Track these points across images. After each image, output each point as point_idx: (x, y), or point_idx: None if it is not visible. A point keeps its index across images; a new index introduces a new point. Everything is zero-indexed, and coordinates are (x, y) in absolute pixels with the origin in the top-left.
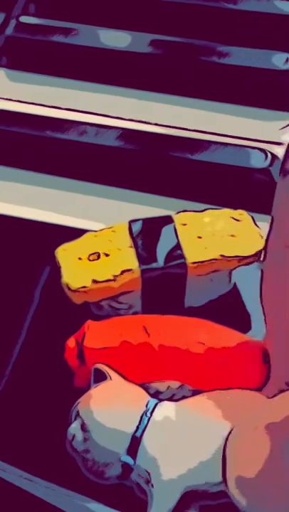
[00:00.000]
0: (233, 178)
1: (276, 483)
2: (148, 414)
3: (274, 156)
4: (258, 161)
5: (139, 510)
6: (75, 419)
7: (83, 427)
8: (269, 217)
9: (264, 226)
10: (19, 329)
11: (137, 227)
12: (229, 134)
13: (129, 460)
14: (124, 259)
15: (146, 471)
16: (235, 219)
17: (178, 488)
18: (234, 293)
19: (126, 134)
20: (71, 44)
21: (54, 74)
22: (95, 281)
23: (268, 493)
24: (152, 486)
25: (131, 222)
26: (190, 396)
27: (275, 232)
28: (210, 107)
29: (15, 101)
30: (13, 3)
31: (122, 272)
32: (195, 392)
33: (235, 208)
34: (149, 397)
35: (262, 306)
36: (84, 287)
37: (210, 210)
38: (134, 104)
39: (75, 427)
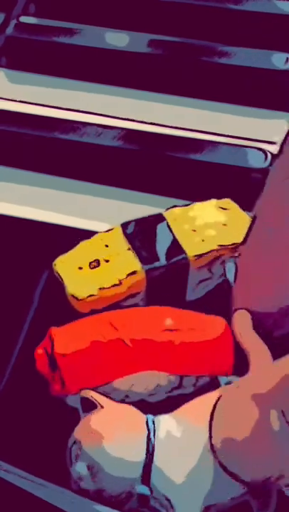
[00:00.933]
0: (233, 178)
1: (259, 447)
2: (152, 437)
3: (274, 156)
4: (257, 161)
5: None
6: (77, 458)
7: (90, 466)
8: None
9: None
10: (19, 329)
11: (130, 229)
12: (229, 134)
13: (145, 490)
14: (126, 262)
15: (165, 497)
16: (223, 208)
17: (199, 504)
18: (227, 282)
19: (126, 134)
20: (71, 44)
21: (54, 74)
22: (101, 288)
23: (250, 454)
24: (174, 508)
25: (123, 225)
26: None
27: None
28: (210, 107)
29: (15, 101)
30: (13, 3)
31: (127, 275)
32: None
33: None
34: (144, 417)
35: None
36: (91, 296)
37: (197, 203)
38: (134, 104)
39: (80, 467)
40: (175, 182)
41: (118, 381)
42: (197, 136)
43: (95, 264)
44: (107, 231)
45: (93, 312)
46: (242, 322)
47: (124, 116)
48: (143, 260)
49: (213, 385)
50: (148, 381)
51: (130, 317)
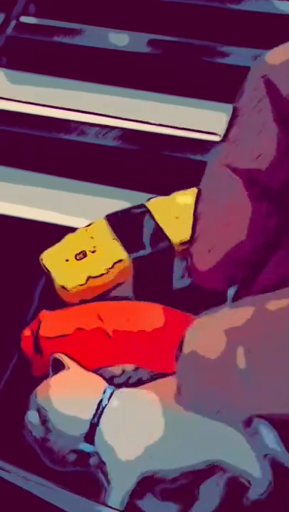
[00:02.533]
0: None
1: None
2: (105, 401)
3: None
4: None
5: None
6: (31, 407)
7: (41, 415)
8: None
9: None
10: (19, 329)
11: (115, 220)
12: None
13: (87, 447)
14: (112, 251)
15: (101, 457)
16: None
17: (134, 472)
18: None
19: (126, 134)
20: (71, 44)
21: (54, 74)
22: (89, 278)
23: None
24: (107, 472)
25: (107, 216)
26: (147, 378)
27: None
28: (210, 107)
29: (15, 101)
30: (13, 3)
31: (114, 264)
32: (153, 375)
33: None
34: (106, 385)
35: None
36: (80, 285)
37: (178, 192)
38: (134, 104)
39: (32, 415)
40: (175, 182)
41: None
42: (197, 136)
43: (81, 255)
44: (91, 223)
45: (82, 303)
46: None
47: (124, 116)
48: (129, 249)
49: None
50: (125, 375)
51: (119, 309)
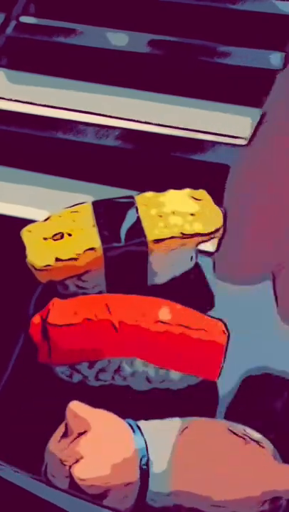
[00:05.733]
0: None
1: None
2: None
3: None
4: None
5: None
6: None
7: None
8: None
9: None
10: (19, 329)
11: (100, 208)
12: (229, 133)
13: None
14: (87, 238)
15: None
16: (195, 198)
17: None
18: (196, 271)
19: (126, 134)
20: (71, 44)
21: (54, 74)
22: (58, 260)
23: None
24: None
25: (94, 202)
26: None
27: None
28: (210, 107)
29: (15, 101)
30: (13, 3)
31: (85, 251)
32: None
33: None
34: (135, 447)
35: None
36: (48, 266)
37: (171, 190)
38: (134, 104)
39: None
40: (175, 182)
41: (105, 361)
42: (197, 136)
43: (59, 236)
44: (78, 205)
45: (52, 282)
46: None
47: (124, 116)
48: (103, 238)
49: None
50: (137, 369)
51: (128, 303)
